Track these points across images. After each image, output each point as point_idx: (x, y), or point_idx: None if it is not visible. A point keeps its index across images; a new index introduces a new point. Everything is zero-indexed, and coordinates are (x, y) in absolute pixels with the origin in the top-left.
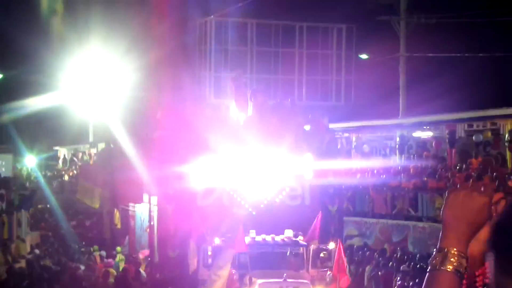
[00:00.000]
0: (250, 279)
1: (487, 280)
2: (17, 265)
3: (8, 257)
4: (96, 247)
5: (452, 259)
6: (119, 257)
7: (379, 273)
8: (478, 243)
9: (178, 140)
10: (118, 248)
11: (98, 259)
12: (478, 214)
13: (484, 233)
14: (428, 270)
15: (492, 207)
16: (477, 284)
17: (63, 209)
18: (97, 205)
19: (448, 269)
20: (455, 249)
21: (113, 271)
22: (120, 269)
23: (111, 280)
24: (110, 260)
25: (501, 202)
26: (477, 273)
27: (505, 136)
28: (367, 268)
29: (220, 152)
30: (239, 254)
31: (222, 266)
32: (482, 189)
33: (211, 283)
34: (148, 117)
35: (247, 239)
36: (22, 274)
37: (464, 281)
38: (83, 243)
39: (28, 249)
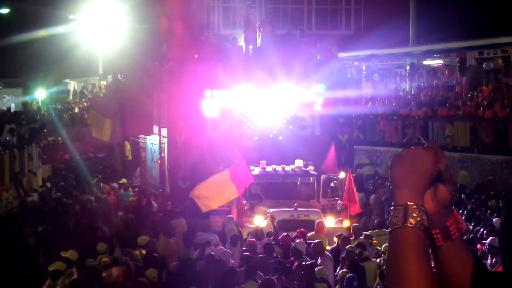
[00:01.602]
0: (261, 209)
1: (461, 226)
2: (29, 199)
3: (20, 191)
4: (97, 180)
5: (413, 214)
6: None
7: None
8: (433, 201)
9: (187, 72)
10: (124, 180)
11: (111, 191)
12: (424, 164)
13: (440, 192)
14: (389, 231)
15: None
16: (452, 233)
17: (74, 141)
18: (107, 139)
19: (411, 224)
20: (412, 203)
21: (132, 199)
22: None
23: (123, 211)
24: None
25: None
26: (448, 223)
27: None
28: (373, 196)
29: (229, 84)
30: (250, 184)
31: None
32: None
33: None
34: (157, 49)
35: (257, 170)
36: (34, 208)
37: (439, 235)
38: (97, 175)
39: (40, 182)
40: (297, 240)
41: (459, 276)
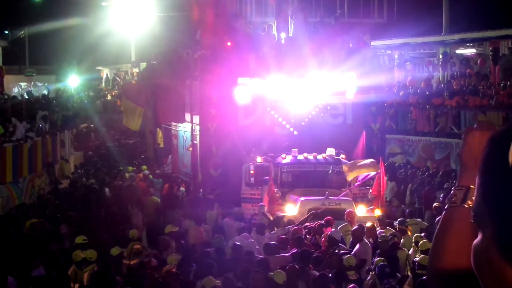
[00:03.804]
0: (292, 198)
1: None
2: (61, 185)
3: (52, 178)
4: (130, 167)
5: (473, 197)
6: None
7: (422, 191)
8: None
9: (219, 60)
10: (144, 167)
11: (142, 177)
12: None
13: None
14: (446, 207)
15: None
16: None
17: (106, 128)
18: (137, 128)
19: (468, 206)
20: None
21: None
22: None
23: (156, 197)
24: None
25: None
26: None
27: None
28: (409, 186)
29: (261, 72)
30: (281, 172)
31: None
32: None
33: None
34: (190, 37)
35: (289, 158)
36: (65, 194)
37: None
38: (133, 162)
39: (72, 169)
40: (333, 229)
41: None
